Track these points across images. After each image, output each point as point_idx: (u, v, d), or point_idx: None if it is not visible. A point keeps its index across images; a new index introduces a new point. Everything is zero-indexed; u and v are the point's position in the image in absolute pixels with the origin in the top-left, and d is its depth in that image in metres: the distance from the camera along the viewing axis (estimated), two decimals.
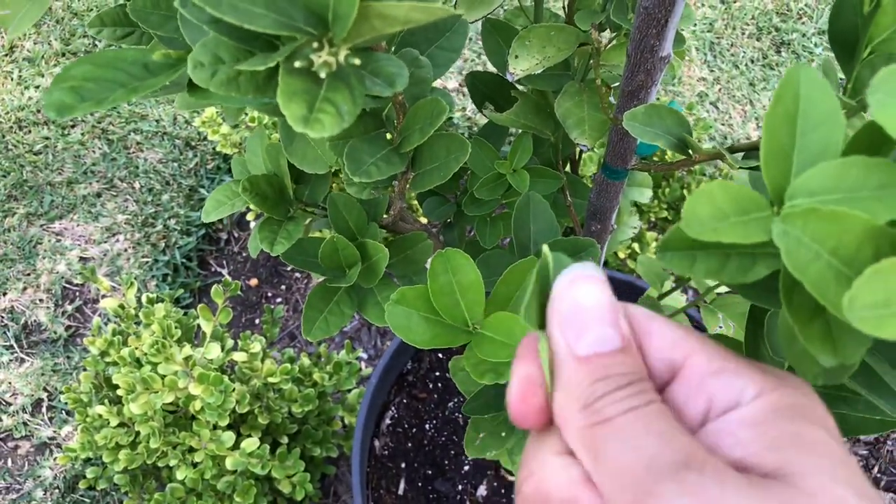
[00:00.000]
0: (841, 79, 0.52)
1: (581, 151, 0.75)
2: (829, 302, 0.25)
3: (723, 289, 0.71)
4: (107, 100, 0.40)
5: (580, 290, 0.29)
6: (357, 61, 0.30)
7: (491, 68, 0.70)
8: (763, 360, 0.48)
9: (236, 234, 1.84)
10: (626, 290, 1.19)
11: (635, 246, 1.42)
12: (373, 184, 0.56)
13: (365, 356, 1.63)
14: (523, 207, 0.61)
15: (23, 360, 1.65)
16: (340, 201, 0.65)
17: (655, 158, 1.41)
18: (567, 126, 0.58)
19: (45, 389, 1.62)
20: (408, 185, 0.55)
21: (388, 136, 0.52)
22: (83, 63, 0.41)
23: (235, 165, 0.68)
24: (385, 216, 0.69)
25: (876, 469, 1.58)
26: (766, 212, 0.28)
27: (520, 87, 0.69)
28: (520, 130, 0.67)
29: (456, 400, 1.20)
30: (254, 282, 1.77)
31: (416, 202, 1.44)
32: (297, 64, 0.30)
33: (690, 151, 0.51)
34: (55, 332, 1.68)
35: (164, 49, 0.44)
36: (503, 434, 0.70)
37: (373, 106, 0.48)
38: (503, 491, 1.13)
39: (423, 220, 0.91)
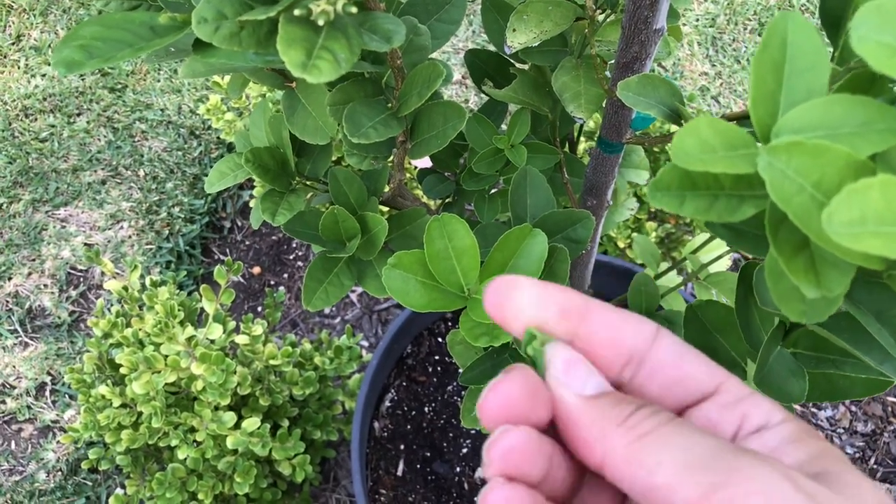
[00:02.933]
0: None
1: (580, 131, 0.77)
2: (812, 232, 0.26)
3: (714, 267, 0.72)
4: (114, 57, 0.41)
5: (574, 373, 0.30)
6: (354, 9, 0.31)
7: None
8: (751, 323, 0.49)
9: (239, 223, 1.85)
10: (625, 276, 1.20)
11: (635, 235, 1.42)
12: (372, 150, 0.57)
13: (366, 343, 1.64)
14: (520, 181, 0.62)
15: (27, 345, 1.67)
16: (341, 175, 0.66)
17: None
18: (564, 100, 0.59)
19: (48, 373, 1.63)
20: (406, 155, 0.56)
21: (389, 105, 0.53)
22: (92, 24, 0.43)
23: (238, 139, 0.69)
24: (385, 190, 0.70)
25: (872, 461, 1.59)
26: (753, 148, 0.29)
27: (518, 66, 0.70)
28: (518, 107, 0.68)
29: (455, 384, 1.21)
30: (256, 270, 1.79)
31: (415, 182, 1.46)
32: (297, 12, 0.31)
33: (683, 122, 0.52)
34: (59, 317, 1.69)
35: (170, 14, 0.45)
36: None
37: (372, 71, 0.49)
38: None
39: (426, 201, 0.92)
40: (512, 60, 0.70)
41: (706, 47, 2.15)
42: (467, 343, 0.76)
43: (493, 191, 0.74)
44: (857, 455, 1.60)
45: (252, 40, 0.37)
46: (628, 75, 0.54)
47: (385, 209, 0.99)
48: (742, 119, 0.51)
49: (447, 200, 0.80)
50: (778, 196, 0.27)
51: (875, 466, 1.58)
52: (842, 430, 1.62)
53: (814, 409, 1.65)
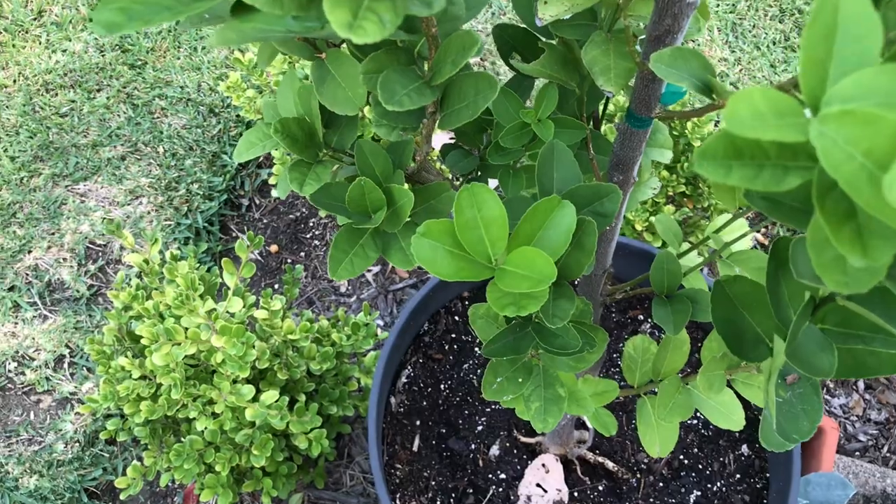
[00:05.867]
0: None
1: (605, 107, 0.77)
2: (862, 200, 0.26)
3: (736, 246, 0.72)
4: (153, 20, 0.42)
5: None
6: None
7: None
8: (780, 299, 0.49)
9: (258, 201, 1.86)
10: (641, 257, 1.20)
11: (657, 215, 1.42)
12: (402, 120, 0.57)
13: (381, 323, 1.65)
14: (548, 155, 0.62)
15: (46, 317, 1.69)
16: (367, 148, 0.66)
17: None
18: (593, 73, 0.59)
19: (66, 346, 1.65)
20: (436, 126, 0.57)
21: (421, 75, 0.53)
22: None
23: (266, 109, 0.69)
24: (412, 164, 0.70)
25: (885, 448, 1.59)
26: (801, 117, 0.29)
27: (545, 41, 0.70)
28: (546, 82, 0.68)
29: (471, 362, 1.22)
30: (274, 248, 1.79)
31: (437, 160, 1.46)
32: None
33: (714, 96, 0.52)
34: (78, 291, 1.71)
35: None
36: (520, 379, 0.72)
37: (406, 40, 0.49)
38: (515, 451, 1.15)
39: (449, 177, 0.92)
40: (539, 36, 0.70)
41: (726, 33, 2.13)
42: (488, 318, 0.77)
43: (517, 166, 0.75)
44: (871, 443, 1.60)
45: (294, 3, 0.37)
46: (660, 49, 0.54)
47: (409, 184, 0.99)
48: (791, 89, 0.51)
49: (470, 176, 0.81)
50: (829, 164, 0.27)
51: (888, 454, 1.58)
52: (855, 418, 1.62)
53: (827, 397, 1.65)
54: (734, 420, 0.76)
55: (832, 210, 0.28)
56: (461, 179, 0.81)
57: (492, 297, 0.54)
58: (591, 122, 0.80)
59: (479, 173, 0.79)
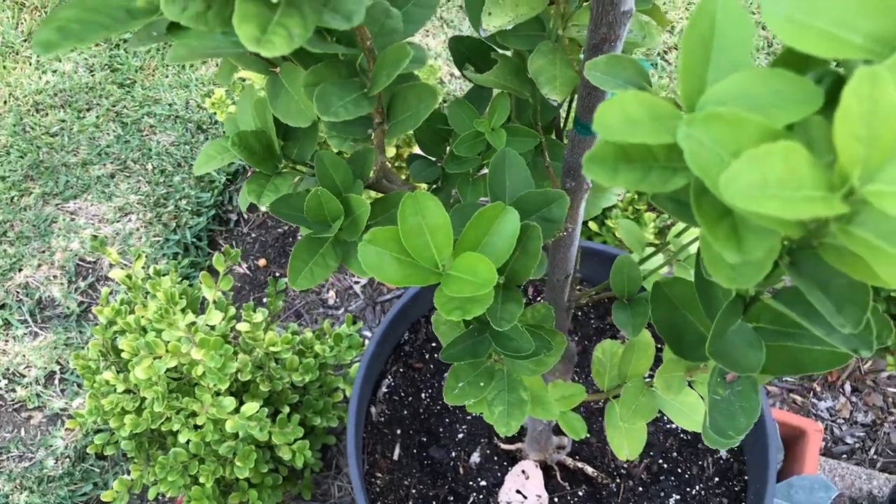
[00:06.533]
0: None
1: (567, 115, 0.78)
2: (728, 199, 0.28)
3: (694, 247, 0.73)
4: (87, 38, 0.43)
5: None
6: None
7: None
8: (713, 297, 0.50)
9: (246, 216, 1.88)
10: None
11: (621, 220, 1.44)
12: (348, 131, 0.59)
13: (368, 333, 1.66)
14: (499, 163, 0.64)
15: (36, 334, 1.70)
16: (328, 159, 0.68)
17: None
18: (539, 82, 0.61)
19: (57, 363, 1.66)
20: (385, 137, 0.58)
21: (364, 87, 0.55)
22: (72, 7, 0.45)
23: (227, 123, 0.71)
24: (371, 174, 0.72)
25: (872, 451, 1.59)
26: (677, 119, 0.30)
27: (500, 51, 0.71)
28: (500, 92, 0.69)
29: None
30: (262, 262, 1.81)
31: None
32: None
33: None
34: (68, 308, 1.72)
35: None
36: (482, 384, 0.73)
37: (346, 52, 0.51)
38: (495, 458, 1.16)
39: (418, 186, 0.94)
40: (495, 47, 0.72)
41: None
42: (451, 323, 0.78)
43: (478, 174, 0.76)
44: (858, 445, 1.60)
45: (218, 20, 0.39)
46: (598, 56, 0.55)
47: (374, 194, 1.01)
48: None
49: (435, 186, 0.82)
50: (696, 165, 0.28)
51: (875, 457, 1.59)
52: (842, 421, 1.63)
53: (814, 400, 1.66)
54: (697, 421, 0.77)
55: (708, 209, 0.30)
56: (426, 188, 0.83)
57: (439, 302, 0.55)
58: (553, 130, 0.82)
59: (443, 183, 0.80)
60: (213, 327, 1.19)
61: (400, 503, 1.12)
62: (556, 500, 1.12)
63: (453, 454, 1.16)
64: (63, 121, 2.00)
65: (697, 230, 0.81)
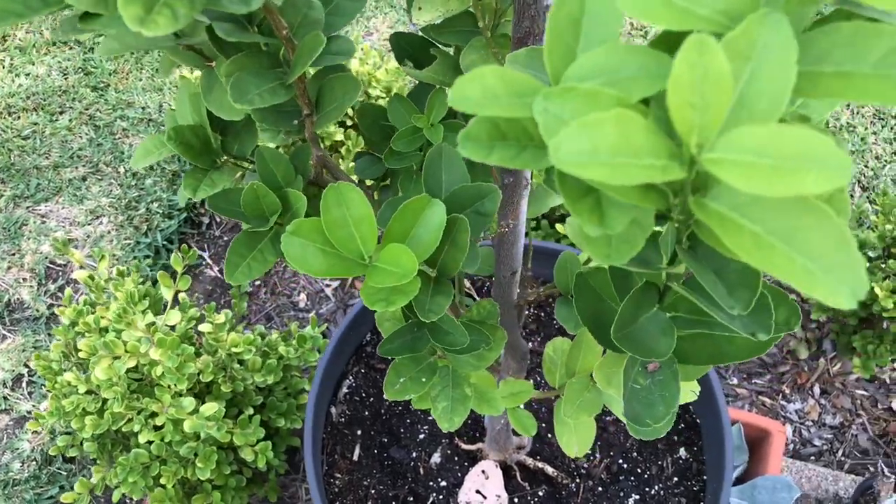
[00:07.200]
0: None
1: None
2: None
3: None
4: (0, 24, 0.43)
5: None
6: None
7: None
8: (630, 285, 0.50)
9: (218, 219, 1.88)
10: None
11: (568, 219, 1.44)
12: (273, 122, 0.59)
13: None
14: (435, 157, 0.64)
15: (5, 337, 1.69)
16: (268, 154, 0.68)
17: None
18: None
19: (25, 365, 1.65)
20: (313, 128, 0.58)
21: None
22: None
23: (168, 118, 0.71)
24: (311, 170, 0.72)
25: (840, 453, 1.60)
26: (538, 94, 0.30)
27: (441, 48, 0.72)
28: (438, 88, 0.70)
29: None
30: None
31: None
32: None
33: None
34: (37, 311, 1.72)
35: None
36: (423, 379, 0.73)
37: (268, 42, 0.51)
38: (456, 458, 1.16)
39: (369, 184, 0.93)
40: (436, 43, 0.72)
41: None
42: (394, 319, 0.78)
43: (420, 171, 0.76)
44: (826, 447, 1.60)
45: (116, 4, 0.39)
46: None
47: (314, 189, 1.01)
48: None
49: (384, 183, 0.82)
50: (550, 138, 0.28)
51: (842, 458, 1.59)
52: (810, 423, 1.63)
53: (783, 402, 1.66)
54: None
55: (572, 185, 0.30)
56: (372, 184, 0.83)
57: (364, 293, 0.55)
58: None
59: (390, 180, 0.81)
60: (172, 327, 1.19)
61: (359, 503, 1.12)
62: (515, 500, 1.12)
63: (414, 454, 1.16)
64: (35, 124, 1.99)
65: None
